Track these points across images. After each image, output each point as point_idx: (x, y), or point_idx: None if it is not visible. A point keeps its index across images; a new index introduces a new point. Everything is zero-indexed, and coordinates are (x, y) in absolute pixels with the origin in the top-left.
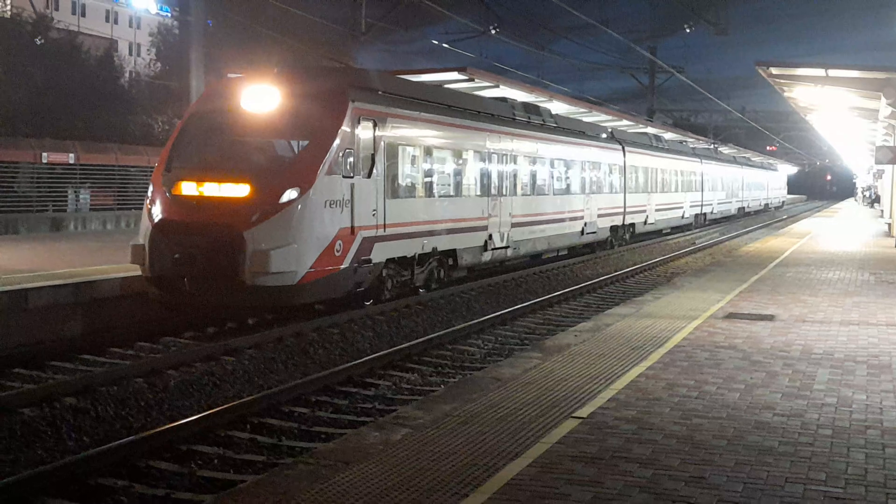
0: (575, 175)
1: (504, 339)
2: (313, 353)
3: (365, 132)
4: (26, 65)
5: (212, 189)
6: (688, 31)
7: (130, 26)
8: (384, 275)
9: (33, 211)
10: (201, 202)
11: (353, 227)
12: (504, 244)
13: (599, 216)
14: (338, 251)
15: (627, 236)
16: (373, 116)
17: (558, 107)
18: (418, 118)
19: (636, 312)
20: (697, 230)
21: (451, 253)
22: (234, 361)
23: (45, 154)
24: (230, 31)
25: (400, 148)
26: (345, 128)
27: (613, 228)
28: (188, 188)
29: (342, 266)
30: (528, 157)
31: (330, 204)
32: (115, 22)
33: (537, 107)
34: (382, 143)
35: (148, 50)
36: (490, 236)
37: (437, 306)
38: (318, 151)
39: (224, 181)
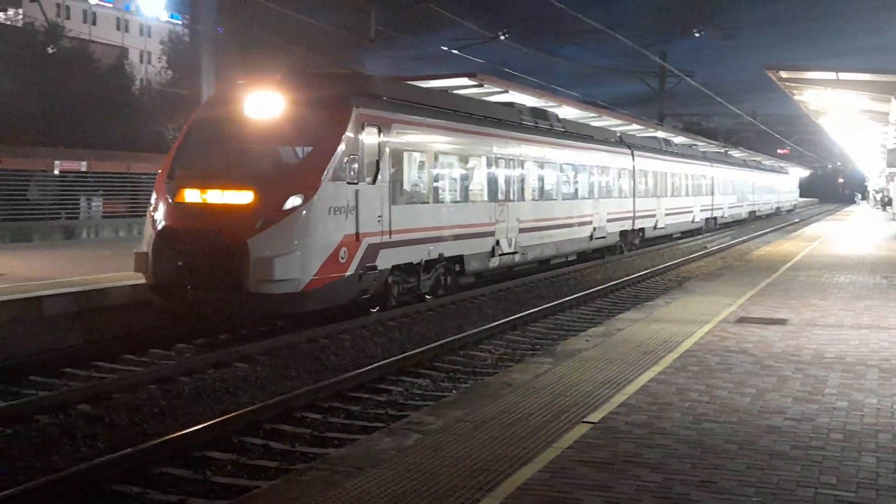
0: (583, 180)
1: (515, 344)
2: (325, 360)
3: (369, 138)
4: (38, 74)
5: (215, 196)
6: (697, 35)
7: (141, 34)
8: (390, 281)
9: (46, 219)
10: (204, 209)
11: (357, 234)
12: (512, 250)
13: (609, 221)
14: (342, 258)
15: (637, 241)
16: (377, 122)
17: (567, 111)
18: (423, 123)
19: (647, 317)
20: (708, 234)
21: (458, 259)
22: (246, 368)
23: (57, 162)
24: (240, 38)
25: (405, 154)
26: (349, 134)
27: (623, 233)
28: (191, 195)
29: (347, 273)
30: (536, 161)
31: (334, 210)
32: (126, 30)
33: (545, 111)
34: (387, 148)
35: (159, 58)
36: (497, 242)
37: (448, 312)
38: (322, 158)
39: (227, 188)
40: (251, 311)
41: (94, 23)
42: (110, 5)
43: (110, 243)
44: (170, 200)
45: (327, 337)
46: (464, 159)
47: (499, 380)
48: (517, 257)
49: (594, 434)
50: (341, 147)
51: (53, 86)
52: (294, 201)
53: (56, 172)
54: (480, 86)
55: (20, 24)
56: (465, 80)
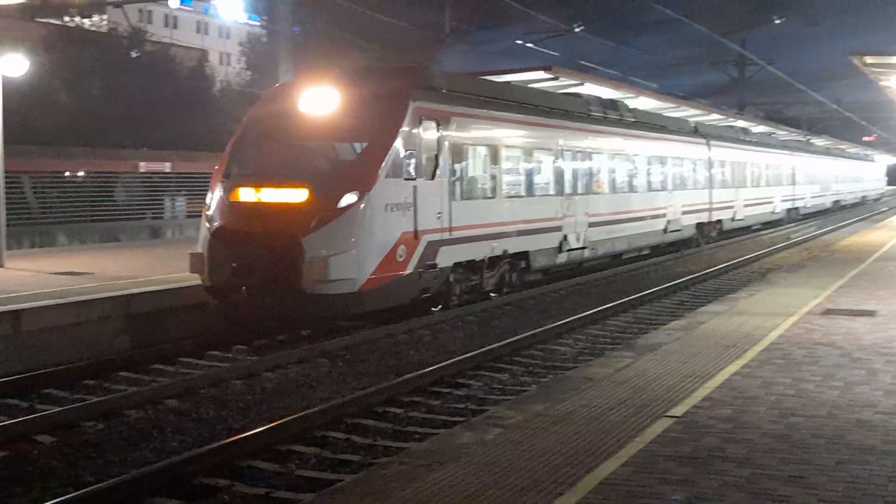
0: (656, 171)
1: (595, 338)
2: (405, 355)
3: (427, 132)
4: (123, 78)
5: (269, 195)
6: (777, 22)
7: (220, 36)
8: (452, 280)
9: (132, 219)
10: (258, 209)
11: (416, 231)
12: (580, 245)
13: (684, 213)
14: (401, 256)
15: (714, 233)
16: (436, 116)
17: (644, 103)
18: (485, 116)
19: (730, 310)
20: (791, 225)
21: (524, 255)
22: (328, 364)
23: (141, 164)
24: (317, 38)
25: (466, 148)
26: (405, 128)
27: (699, 225)
28: (245, 194)
29: (406, 272)
30: (605, 153)
31: (391, 207)
32: (206, 33)
33: (614, 102)
34: (447, 143)
35: (238, 59)
36: (565, 237)
37: (526, 307)
38: (378, 154)
39: (281, 186)
40: (306, 313)
41: (175, 26)
42: (190, 8)
43: (194, 242)
44: (224, 199)
45: (407, 332)
46: (528, 152)
47: (579, 374)
48: (587, 252)
49: (677, 428)
50: (398, 142)
51: (137, 89)
52: (349, 199)
53: (142, 171)
54: (556, 79)
55: (105, 29)
56: (540, 74)
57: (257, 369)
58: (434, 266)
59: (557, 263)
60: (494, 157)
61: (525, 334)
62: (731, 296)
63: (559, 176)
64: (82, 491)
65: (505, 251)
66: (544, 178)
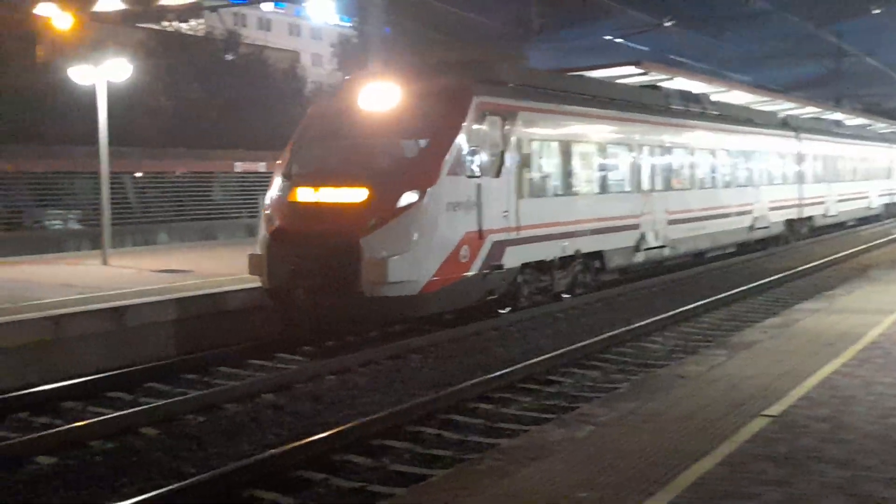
0: (741, 166)
1: (687, 335)
2: (494, 351)
3: (492, 128)
4: (219, 80)
5: (327, 194)
6: (876, 13)
7: (313, 38)
8: (519, 281)
9: (229, 218)
10: (317, 208)
11: (480, 231)
12: (659, 243)
13: (771, 209)
14: (464, 257)
15: (805, 230)
16: (501, 111)
17: (737, 97)
18: (556, 111)
19: (827, 307)
20: (888, 221)
21: (598, 255)
22: (419, 360)
23: (237, 164)
24: (408, 38)
25: (534, 143)
26: (468, 124)
27: (789, 222)
28: (304, 194)
29: (469, 273)
30: (686, 148)
31: (453, 206)
32: (298, 35)
33: (696, 94)
34: (513, 138)
35: (329, 60)
36: (643, 235)
37: (617, 304)
38: (439, 151)
39: (340, 185)
40: (366, 316)
41: (268, 29)
42: (283, 11)
43: None
44: (283, 199)
45: (496, 329)
46: (602, 148)
47: (672, 371)
48: (666, 251)
49: (773, 428)
50: (460, 138)
51: (233, 91)
52: (409, 198)
53: (237, 171)
54: (646, 74)
55: (201, 33)
56: (630, 69)
57: (350, 365)
58: (500, 267)
59: (634, 263)
60: (566, 152)
61: (616, 331)
62: (827, 293)
63: (636, 172)
64: (184, 482)
65: (577, 251)
66: (620, 174)
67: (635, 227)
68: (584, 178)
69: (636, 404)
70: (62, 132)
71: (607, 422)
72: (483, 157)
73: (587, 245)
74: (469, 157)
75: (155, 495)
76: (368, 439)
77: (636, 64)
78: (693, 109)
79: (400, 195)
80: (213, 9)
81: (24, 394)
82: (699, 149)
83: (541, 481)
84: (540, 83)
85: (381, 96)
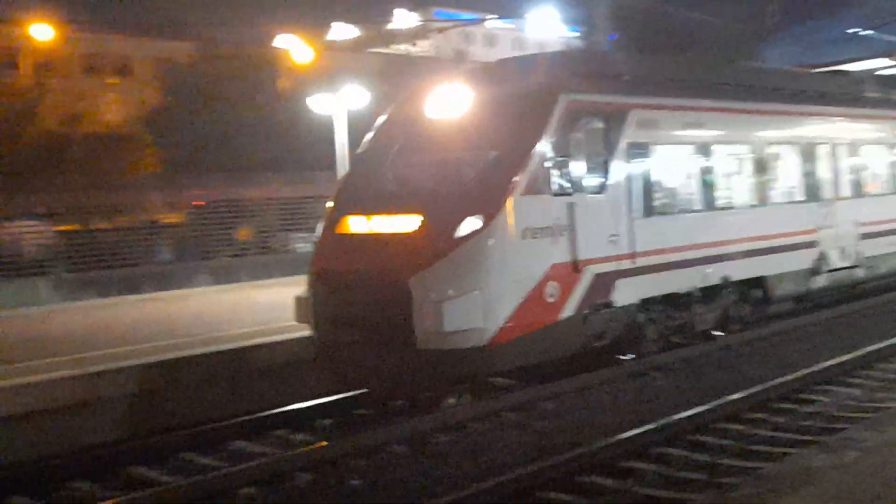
0: None
1: None
2: (739, 368)
3: (591, 133)
4: None
5: (379, 224)
6: None
7: (538, 50)
8: (641, 320)
9: None
10: (366, 242)
11: (575, 262)
12: (849, 263)
13: None
14: (551, 296)
15: None
16: (604, 111)
17: None
18: (688, 107)
19: None
20: None
21: (757, 281)
22: (662, 377)
23: None
24: (634, 43)
25: (656, 148)
26: (554, 129)
27: None
28: (355, 223)
29: (561, 315)
30: (886, 144)
31: (532, 233)
32: (522, 49)
33: None
34: (624, 143)
35: None
36: (822, 254)
37: (877, 314)
38: (511, 165)
39: (391, 213)
40: (419, 374)
41: (493, 45)
42: (510, 26)
43: None
44: (330, 231)
45: (747, 344)
46: (760, 149)
47: None
48: (860, 272)
49: None
50: (541, 148)
51: None
52: (471, 225)
53: None
54: None
55: (431, 54)
56: (882, 62)
57: (590, 384)
58: (608, 305)
59: (813, 288)
60: (705, 158)
61: (876, 346)
62: None
63: (811, 176)
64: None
65: (725, 278)
66: (788, 180)
67: (811, 244)
68: (734, 188)
69: None
70: (302, 159)
71: (876, 446)
72: (578, 169)
73: (739, 270)
74: (556, 171)
75: None
76: (614, 460)
77: (890, 55)
78: None
79: (459, 222)
80: (442, 30)
81: (279, 412)
82: None
83: None
84: (662, 73)
85: (448, 101)
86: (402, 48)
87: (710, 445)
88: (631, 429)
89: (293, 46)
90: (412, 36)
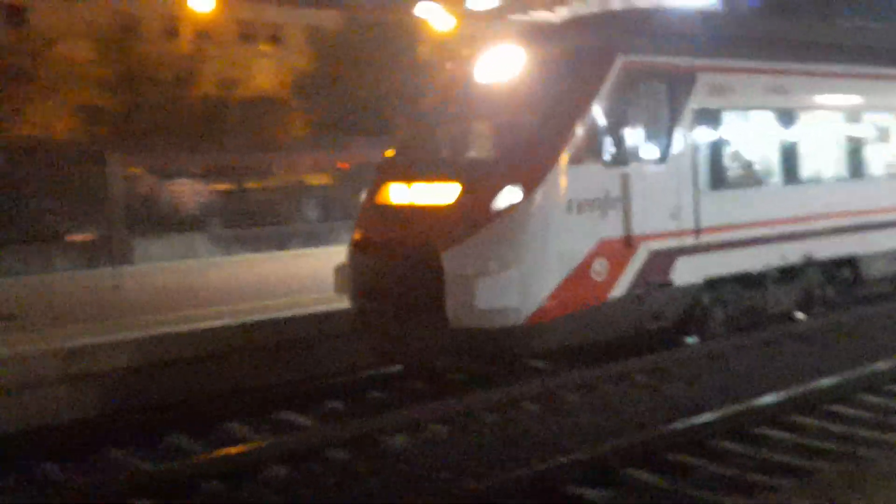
0: None
1: None
2: (879, 338)
3: (651, 97)
4: None
5: (419, 193)
6: None
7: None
8: (706, 301)
9: None
10: (404, 212)
11: (629, 237)
12: None
13: None
14: (598, 274)
15: None
16: (666, 72)
17: None
18: (767, 69)
19: None
20: None
21: (847, 261)
22: (795, 345)
23: None
24: (778, 7)
25: (726, 116)
26: (608, 93)
27: None
28: (396, 193)
29: (611, 295)
30: None
31: (578, 206)
32: None
33: None
34: (689, 109)
35: None
36: None
37: None
38: (556, 131)
39: (431, 181)
40: (450, 352)
41: None
42: None
43: None
44: (371, 199)
45: (890, 316)
46: (852, 115)
47: None
48: None
49: None
50: (593, 113)
51: None
52: (510, 196)
53: None
54: None
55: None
56: None
57: (724, 349)
58: (668, 284)
59: None
60: (785, 124)
61: None
62: None
63: None
64: (566, 458)
65: (808, 256)
66: (884, 149)
67: None
68: (819, 158)
69: None
70: None
71: None
72: (635, 137)
73: (825, 249)
74: (610, 139)
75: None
76: (745, 427)
77: None
78: None
79: (496, 193)
80: None
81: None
82: None
83: None
84: (732, 30)
85: (500, 63)
86: (542, 15)
87: (846, 416)
88: (763, 395)
89: (434, 14)
90: (551, 2)
